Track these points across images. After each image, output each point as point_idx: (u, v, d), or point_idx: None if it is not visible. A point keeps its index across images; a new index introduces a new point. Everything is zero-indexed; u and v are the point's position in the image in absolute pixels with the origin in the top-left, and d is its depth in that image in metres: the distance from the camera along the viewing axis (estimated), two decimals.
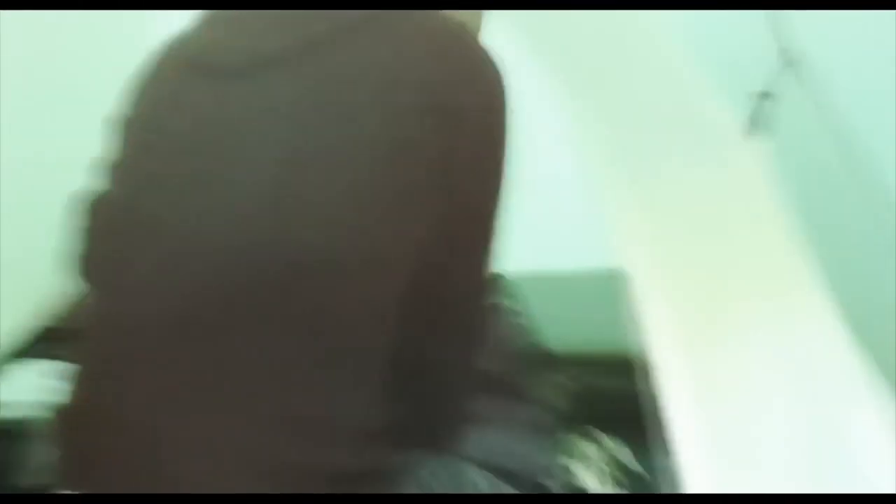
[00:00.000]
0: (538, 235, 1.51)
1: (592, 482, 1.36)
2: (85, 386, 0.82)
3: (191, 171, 0.77)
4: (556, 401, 1.47)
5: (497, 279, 0.89)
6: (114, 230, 0.82)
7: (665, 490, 0.74)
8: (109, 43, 1.46)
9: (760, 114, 0.76)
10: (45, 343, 1.63)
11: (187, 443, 0.74)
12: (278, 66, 0.76)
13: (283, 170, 0.74)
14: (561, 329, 1.60)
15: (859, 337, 0.76)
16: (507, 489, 0.95)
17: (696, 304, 0.76)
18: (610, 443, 1.40)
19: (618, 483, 1.35)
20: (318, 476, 0.74)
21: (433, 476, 0.87)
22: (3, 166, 1.28)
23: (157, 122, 0.82)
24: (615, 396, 1.45)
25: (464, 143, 0.74)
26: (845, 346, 0.75)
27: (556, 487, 1.04)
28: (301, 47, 0.76)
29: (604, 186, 0.77)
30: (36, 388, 1.47)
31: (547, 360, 1.55)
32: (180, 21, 0.85)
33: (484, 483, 0.94)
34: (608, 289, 1.51)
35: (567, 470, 1.36)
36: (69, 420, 0.82)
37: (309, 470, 0.74)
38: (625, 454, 1.38)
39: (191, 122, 0.79)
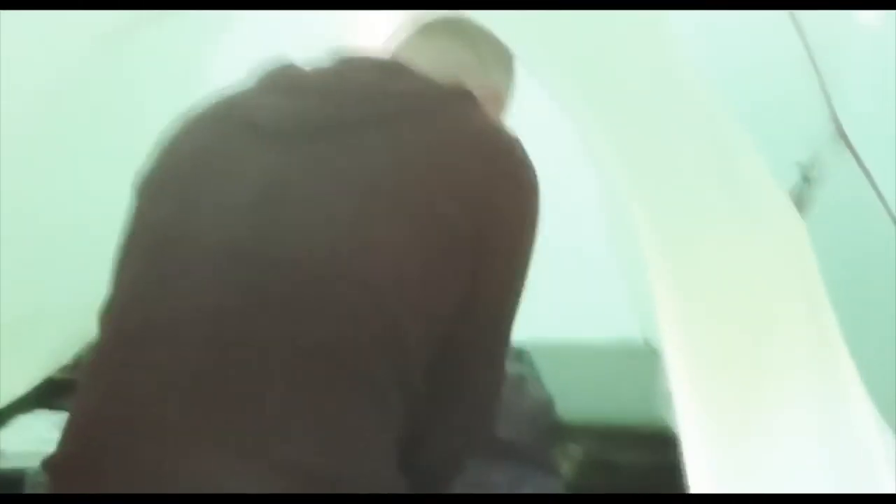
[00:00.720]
0: (569, 305, 1.50)
1: None
2: (100, 390, 0.83)
3: (239, 221, 0.82)
4: (570, 471, 1.44)
5: (517, 352, 0.92)
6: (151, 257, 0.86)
7: None
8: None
9: (807, 185, 0.75)
10: (49, 394, 1.63)
11: (199, 438, 0.75)
12: (334, 136, 0.83)
13: (330, 227, 0.80)
14: (586, 399, 1.58)
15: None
16: None
17: (727, 379, 0.74)
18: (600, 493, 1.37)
19: None
20: (321, 477, 0.75)
21: None
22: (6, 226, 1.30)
23: (202, 173, 0.87)
24: (639, 469, 1.42)
25: (494, 233, 0.82)
26: (877, 431, 0.73)
27: None
28: (358, 122, 0.83)
29: (639, 254, 0.76)
30: (40, 439, 1.46)
31: (563, 430, 1.52)
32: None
33: None
34: (638, 361, 1.49)
35: None
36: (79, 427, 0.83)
37: (314, 471, 0.75)
38: None
39: (243, 178, 0.84)
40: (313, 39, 1.64)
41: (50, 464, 0.83)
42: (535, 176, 0.87)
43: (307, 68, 0.93)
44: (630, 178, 0.74)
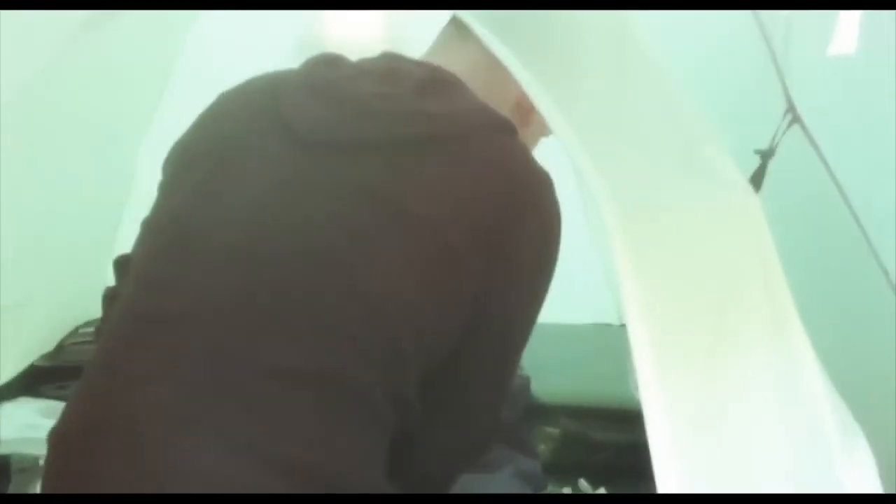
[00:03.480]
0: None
1: None
2: (98, 384, 0.84)
3: (257, 222, 0.83)
4: (547, 451, 1.47)
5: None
6: (164, 251, 0.87)
7: None
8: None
9: (763, 171, 0.77)
10: (32, 382, 1.63)
11: (200, 435, 0.76)
12: (363, 152, 0.84)
13: (338, 240, 0.81)
14: (562, 380, 1.60)
15: (849, 395, 0.77)
16: None
17: (686, 355, 0.76)
18: (600, 493, 1.39)
19: None
20: (316, 476, 0.76)
21: None
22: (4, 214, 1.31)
23: (228, 165, 0.87)
24: (611, 447, 1.45)
25: (505, 268, 0.82)
26: (829, 405, 0.76)
27: None
28: (389, 142, 0.84)
29: (604, 236, 0.78)
30: (24, 426, 1.47)
31: (541, 411, 1.55)
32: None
33: None
34: (613, 341, 1.52)
35: None
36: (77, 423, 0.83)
37: (314, 471, 0.76)
38: None
39: (264, 180, 0.85)
40: (288, 25, 1.67)
41: (51, 435, 0.84)
42: (557, 217, 0.87)
43: (352, 69, 0.92)
44: (591, 158, 0.75)
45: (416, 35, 1.13)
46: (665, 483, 0.70)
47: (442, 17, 0.99)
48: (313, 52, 0.97)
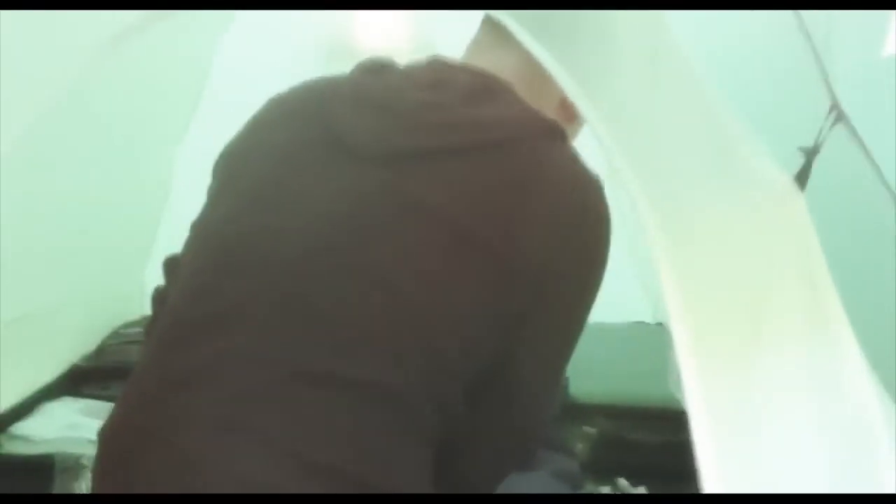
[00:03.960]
0: None
1: None
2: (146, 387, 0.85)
3: (304, 230, 0.84)
4: (584, 451, 1.46)
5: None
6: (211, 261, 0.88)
7: None
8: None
9: (808, 169, 0.76)
10: (74, 382, 1.66)
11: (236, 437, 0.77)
12: (413, 163, 0.84)
13: (385, 251, 0.81)
14: (597, 379, 1.60)
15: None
16: None
17: (730, 356, 0.76)
18: (639, 493, 1.38)
19: None
20: (355, 483, 0.76)
21: None
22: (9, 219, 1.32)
23: (276, 175, 0.88)
24: (648, 447, 1.44)
25: (554, 276, 0.82)
26: (877, 403, 0.74)
27: None
28: (439, 151, 0.84)
29: (643, 237, 0.77)
30: (66, 425, 1.50)
31: (579, 411, 1.54)
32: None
33: None
34: (650, 342, 1.50)
35: None
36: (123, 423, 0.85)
37: (352, 477, 0.76)
38: None
39: (313, 192, 0.85)
40: (318, 32, 1.68)
41: (101, 433, 0.86)
42: (606, 222, 0.86)
43: (400, 78, 0.92)
44: (626, 157, 0.75)
45: (443, 40, 1.13)
46: (709, 483, 0.69)
47: (469, 19, 0.98)
48: (343, 58, 0.97)
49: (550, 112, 0.91)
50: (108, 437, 0.85)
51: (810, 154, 0.76)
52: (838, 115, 0.76)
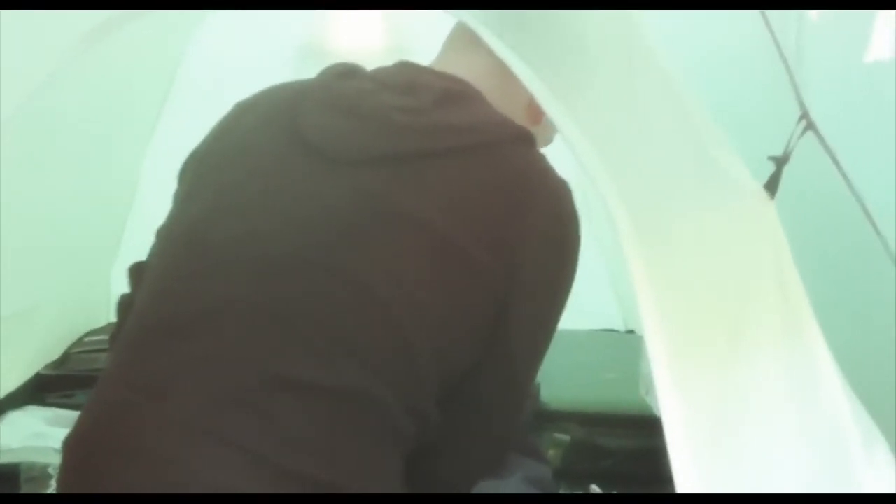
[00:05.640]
0: None
1: None
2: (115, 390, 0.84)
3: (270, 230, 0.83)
4: (557, 457, 1.47)
5: None
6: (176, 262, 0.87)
7: None
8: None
9: (778, 177, 0.77)
10: (38, 390, 1.63)
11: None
12: (383, 167, 0.84)
13: (358, 254, 0.81)
14: (569, 386, 1.60)
15: (868, 399, 0.76)
16: None
17: (703, 360, 0.76)
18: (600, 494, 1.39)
19: None
20: (334, 490, 0.76)
21: None
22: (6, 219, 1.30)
23: (245, 180, 0.87)
24: (620, 453, 1.45)
25: (526, 278, 0.82)
26: (848, 405, 0.75)
27: None
28: (410, 155, 0.84)
29: (617, 244, 0.77)
30: (31, 434, 1.47)
31: (551, 418, 1.54)
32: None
33: None
34: (621, 348, 1.51)
35: None
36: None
37: (326, 484, 0.76)
38: None
39: (281, 195, 0.85)
40: (288, 34, 1.67)
41: (65, 443, 0.84)
42: (576, 227, 0.87)
43: (371, 82, 0.91)
44: (601, 164, 0.75)
45: (417, 42, 1.13)
46: (686, 489, 0.70)
47: (443, 22, 0.98)
48: (315, 59, 0.96)
49: (518, 115, 0.92)
50: (74, 446, 0.83)
51: (780, 162, 0.77)
52: (808, 123, 0.77)
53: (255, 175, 0.87)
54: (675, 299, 0.75)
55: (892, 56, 0.93)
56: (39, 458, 1.37)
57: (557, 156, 0.90)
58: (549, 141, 0.98)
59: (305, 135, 0.86)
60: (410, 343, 0.80)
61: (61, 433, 0.86)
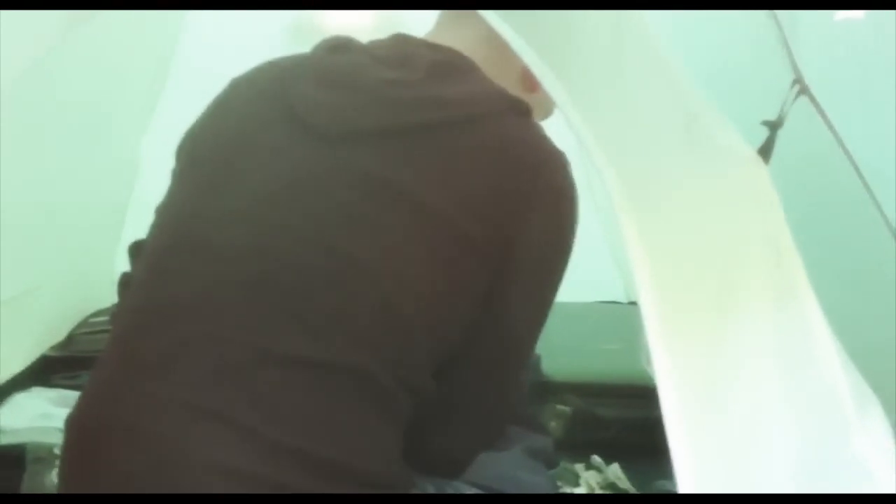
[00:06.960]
0: None
1: None
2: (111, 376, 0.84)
3: (260, 209, 0.83)
4: (558, 428, 1.48)
5: None
6: (166, 248, 0.87)
7: None
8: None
9: (772, 142, 0.77)
10: (43, 371, 1.65)
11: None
12: (374, 141, 0.83)
13: (347, 229, 0.81)
14: (570, 357, 1.61)
15: (862, 362, 0.77)
16: None
17: (697, 327, 0.76)
18: (612, 469, 1.40)
19: None
20: (331, 466, 0.76)
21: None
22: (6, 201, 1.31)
23: (237, 156, 0.87)
24: (621, 424, 1.46)
25: (520, 253, 0.82)
26: (842, 370, 0.75)
27: None
28: (401, 130, 0.83)
29: (610, 213, 0.77)
30: (37, 415, 1.48)
31: (552, 389, 1.55)
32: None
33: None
34: (621, 319, 1.51)
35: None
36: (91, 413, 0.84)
37: (324, 460, 0.76)
38: (624, 480, 1.37)
39: (274, 170, 0.85)
40: (277, 15, 1.66)
41: (67, 422, 0.85)
42: (572, 198, 0.86)
43: (364, 55, 0.90)
44: (592, 133, 0.75)
45: (409, 17, 1.12)
46: (679, 457, 0.70)
47: None
48: (307, 35, 0.96)
49: (513, 84, 0.91)
50: (76, 425, 0.84)
51: (774, 127, 0.77)
52: (801, 88, 0.77)
53: (247, 151, 0.87)
54: (668, 265, 0.75)
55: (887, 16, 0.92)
56: (45, 439, 1.38)
57: (557, 129, 0.90)
58: (549, 112, 0.98)
59: (297, 110, 0.86)
60: (403, 317, 0.80)
61: (66, 414, 0.87)
